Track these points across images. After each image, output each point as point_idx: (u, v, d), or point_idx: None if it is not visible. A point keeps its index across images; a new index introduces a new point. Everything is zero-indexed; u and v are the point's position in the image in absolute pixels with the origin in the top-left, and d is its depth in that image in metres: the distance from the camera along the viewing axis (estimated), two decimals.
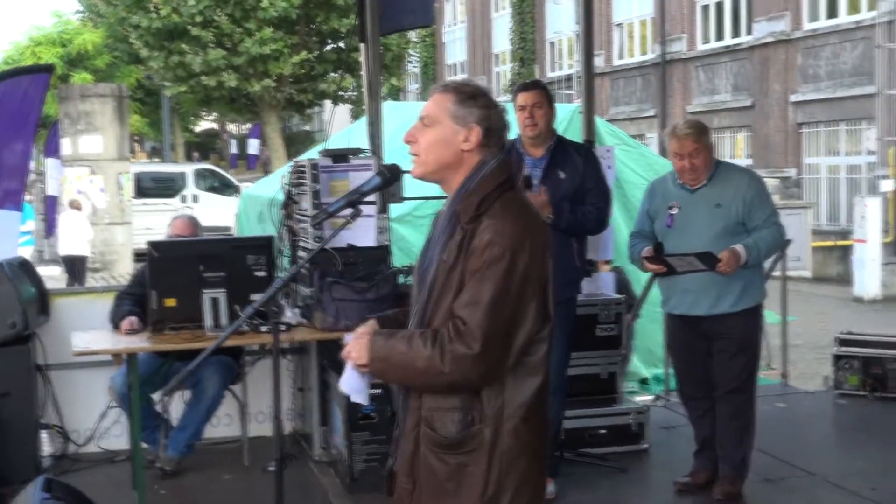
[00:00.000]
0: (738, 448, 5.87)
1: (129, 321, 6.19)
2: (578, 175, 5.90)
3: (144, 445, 6.35)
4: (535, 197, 5.43)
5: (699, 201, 5.79)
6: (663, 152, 25.87)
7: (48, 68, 8.81)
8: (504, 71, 38.90)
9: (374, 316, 3.26)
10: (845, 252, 18.97)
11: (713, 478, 6.02)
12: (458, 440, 3.00)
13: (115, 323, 6.30)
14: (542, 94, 5.96)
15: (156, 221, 22.11)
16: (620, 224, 9.61)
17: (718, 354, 5.84)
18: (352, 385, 3.18)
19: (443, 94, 3.14)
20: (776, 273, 8.68)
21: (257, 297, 4.19)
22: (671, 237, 5.84)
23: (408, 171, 3.28)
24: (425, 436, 3.05)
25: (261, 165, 42.48)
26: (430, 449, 3.04)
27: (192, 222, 6.96)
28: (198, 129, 59.91)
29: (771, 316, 10.75)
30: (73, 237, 19.07)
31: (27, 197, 26.52)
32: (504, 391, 3.01)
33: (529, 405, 3.03)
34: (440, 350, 2.95)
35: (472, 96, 3.11)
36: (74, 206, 19.65)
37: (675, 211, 5.82)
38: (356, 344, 3.10)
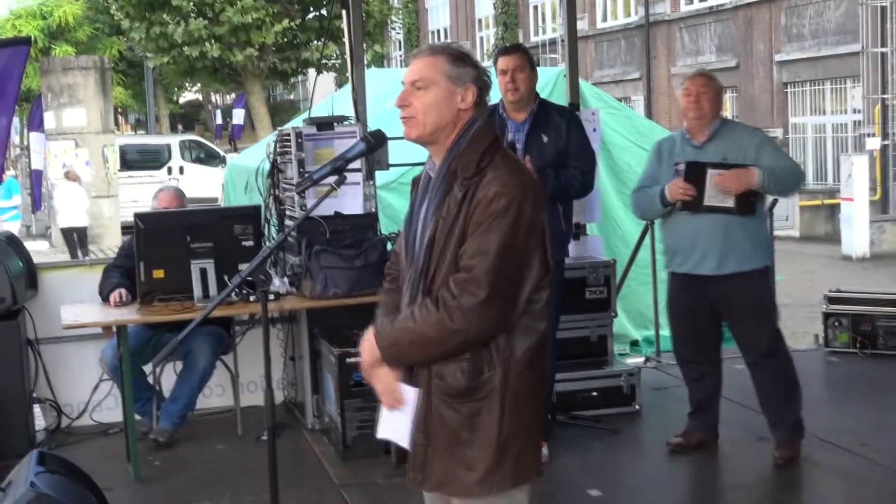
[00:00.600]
0: (788, 410, 5.78)
1: (118, 293, 6.19)
2: (562, 138, 5.86)
3: (137, 417, 6.35)
4: None
5: (705, 156, 5.70)
6: (649, 114, 25.85)
7: (27, 41, 8.73)
8: (488, 36, 38.70)
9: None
10: (833, 211, 19.01)
11: (706, 438, 6.04)
12: (471, 388, 3.05)
13: (104, 296, 6.29)
14: (523, 57, 5.90)
15: (142, 194, 22.05)
16: (608, 187, 9.61)
17: (734, 321, 5.79)
18: (392, 429, 3.20)
19: (433, 57, 3.15)
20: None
21: (246, 267, 4.19)
22: None
23: (394, 138, 3.28)
24: (437, 387, 3.09)
25: (229, 137, 42.19)
26: (441, 400, 3.09)
27: (178, 194, 6.93)
28: (182, 100, 59.63)
29: None
30: (72, 208, 19.01)
31: (12, 172, 26.47)
32: (512, 338, 3.07)
33: (534, 350, 3.10)
34: (446, 309, 2.99)
35: (463, 57, 3.16)
36: (71, 177, 19.58)
37: (681, 167, 5.72)
38: (363, 347, 3.17)
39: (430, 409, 3.11)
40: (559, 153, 5.84)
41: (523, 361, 3.07)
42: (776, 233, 8.76)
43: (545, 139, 5.84)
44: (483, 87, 3.15)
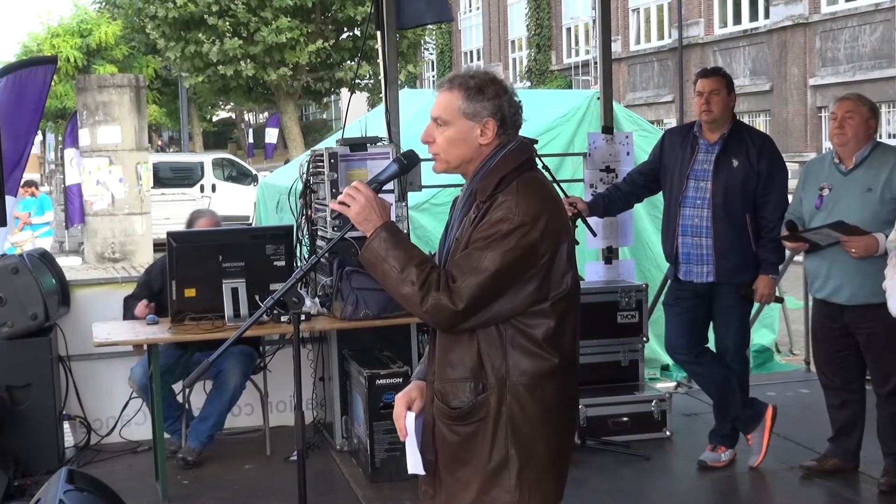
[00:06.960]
0: None
1: (143, 303, 6.30)
2: (752, 165, 5.89)
3: (166, 436, 6.36)
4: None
5: (850, 184, 5.53)
6: None
7: (52, 60, 8.85)
8: (520, 57, 38.80)
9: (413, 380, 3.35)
10: None
11: (843, 465, 5.86)
12: (468, 410, 3.08)
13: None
14: (721, 81, 5.99)
15: (174, 211, 22.24)
16: (640, 210, 9.54)
17: (868, 349, 5.61)
18: (410, 461, 3.22)
19: (451, 93, 3.14)
20: (798, 258, 8.61)
21: (277, 287, 4.19)
22: (818, 219, 5.59)
23: (427, 159, 3.29)
24: (438, 409, 3.14)
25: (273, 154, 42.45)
26: (442, 421, 3.13)
27: (214, 219, 6.92)
28: (215, 118, 60.04)
29: (792, 301, 10.69)
30: None
31: (46, 188, 26.68)
32: (507, 359, 3.07)
33: (535, 375, 3.07)
34: (426, 292, 3.00)
35: (480, 89, 3.12)
36: None
37: (825, 192, 5.58)
38: (352, 191, 3.11)
39: (435, 428, 3.16)
40: (747, 177, 5.87)
41: (520, 384, 3.06)
42: (797, 258, 8.70)
43: (735, 163, 5.89)
44: (504, 117, 3.12)
